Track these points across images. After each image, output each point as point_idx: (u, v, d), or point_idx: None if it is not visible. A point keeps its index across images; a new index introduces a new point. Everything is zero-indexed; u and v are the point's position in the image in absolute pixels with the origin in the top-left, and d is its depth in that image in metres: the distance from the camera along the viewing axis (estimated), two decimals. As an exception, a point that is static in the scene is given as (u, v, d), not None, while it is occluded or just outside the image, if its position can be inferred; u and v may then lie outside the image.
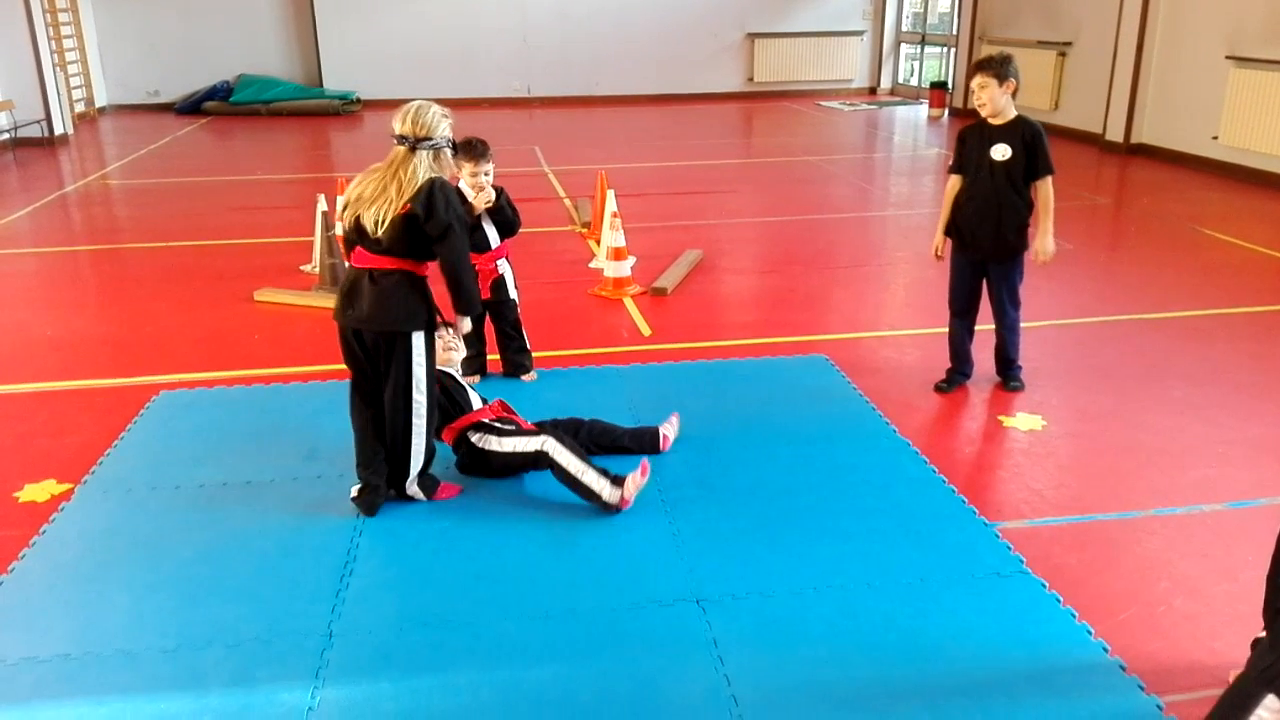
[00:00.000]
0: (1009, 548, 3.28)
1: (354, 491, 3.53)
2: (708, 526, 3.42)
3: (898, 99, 16.42)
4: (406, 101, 3.38)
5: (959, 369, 4.68)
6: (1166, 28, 10.32)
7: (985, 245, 4.41)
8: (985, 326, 4.62)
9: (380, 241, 3.29)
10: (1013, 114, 4.31)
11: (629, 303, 5.94)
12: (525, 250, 6.05)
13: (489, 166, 4.42)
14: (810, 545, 3.30)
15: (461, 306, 3.55)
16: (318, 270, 6.25)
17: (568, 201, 8.77)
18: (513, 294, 4.68)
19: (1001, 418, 4.35)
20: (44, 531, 3.44)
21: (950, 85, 14.35)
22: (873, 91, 17.12)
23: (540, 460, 3.58)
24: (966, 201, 4.41)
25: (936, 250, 4.57)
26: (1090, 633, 2.84)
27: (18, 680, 2.69)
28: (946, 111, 14.23)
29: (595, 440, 3.87)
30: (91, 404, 4.54)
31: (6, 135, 11.53)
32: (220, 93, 15.18)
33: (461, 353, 3.97)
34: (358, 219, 3.31)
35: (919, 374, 4.80)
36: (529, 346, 4.78)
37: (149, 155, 11.59)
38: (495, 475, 3.74)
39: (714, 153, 11.60)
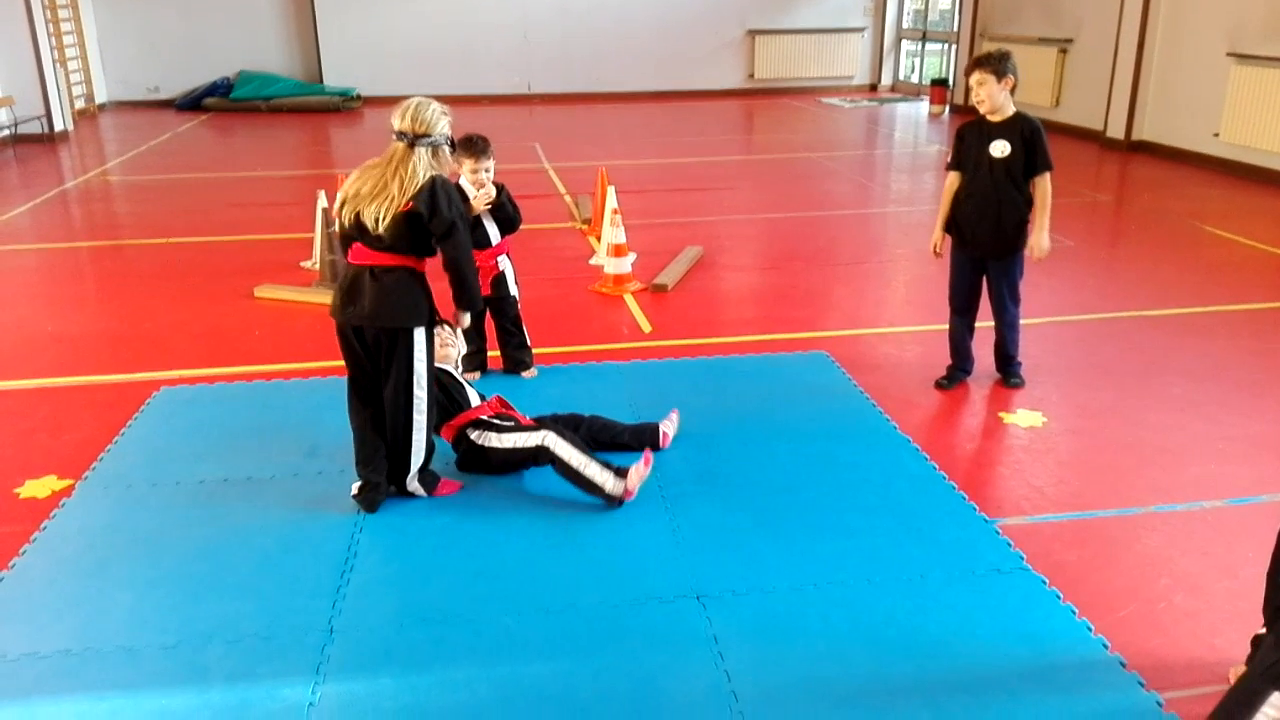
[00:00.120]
0: (1009, 544, 3.28)
1: (354, 489, 3.53)
2: (708, 523, 3.43)
3: (899, 96, 16.41)
4: (407, 98, 3.38)
5: (959, 366, 4.68)
6: (1168, 25, 10.31)
7: (985, 242, 4.41)
8: (985, 323, 4.62)
9: (382, 238, 3.29)
10: (1011, 110, 4.31)
11: (629, 299, 5.93)
12: (526, 247, 6.05)
13: (490, 163, 4.42)
14: (810, 542, 3.30)
15: (463, 302, 3.56)
16: (318, 266, 6.25)
17: (568, 198, 8.77)
18: (513, 290, 4.68)
19: (1002, 414, 4.35)
20: (45, 528, 3.44)
21: (951, 82, 14.33)
22: (874, 88, 17.11)
23: (541, 456, 3.58)
24: (966, 198, 4.41)
25: (935, 247, 4.57)
26: (1090, 629, 2.84)
27: (19, 676, 2.70)
28: (947, 108, 14.22)
29: (595, 437, 3.87)
30: (92, 400, 4.55)
31: (6, 131, 11.52)
32: (220, 89, 15.17)
33: (458, 349, 3.97)
34: (358, 216, 3.31)
35: (919, 371, 4.80)
36: (529, 343, 4.78)
37: (149, 152, 11.58)
38: (495, 472, 3.74)
39: (715, 149, 11.60)
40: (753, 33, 16.46)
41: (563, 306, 5.84)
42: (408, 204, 3.26)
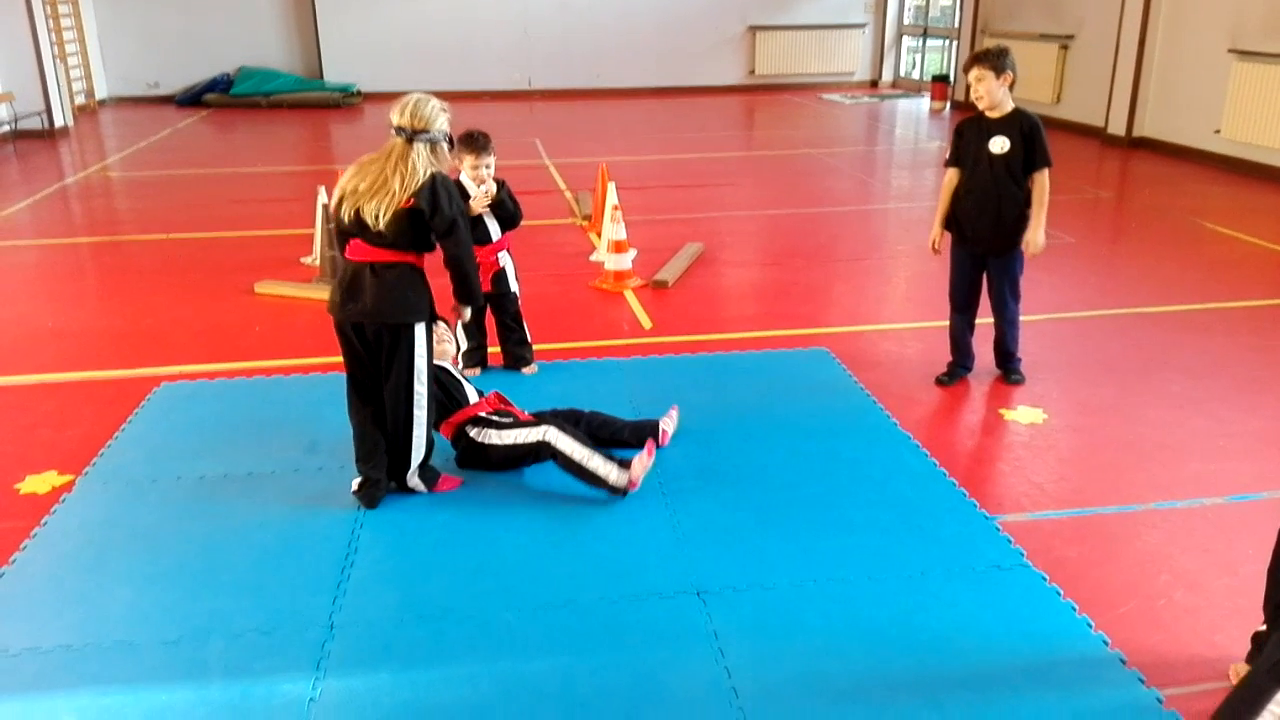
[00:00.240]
0: (1009, 541, 3.28)
1: (355, 485, 3.53)
2: (708, 519, 3.43)
3: (899, 92, 16.40)
4: (407, 94, 3.38)
5: (960, 362, 4.68)
6: (1169, 21, 10.30)
7: (984, 238, 4.41)
8: (986, 320, 4.62)
9: (383, 234, 3.29)
10: (1010, 106, 4.30)
11: (630, 295, 5.93)
12: (526, 243, 6.04)
13: (490, 159, 4.41)
14: (811, 538, 3.30)
15: (464, 297, 3.57)
16: (318, 262, 6.25)
17: (569, 194, 8.76)
18: (514, 286, 4.68)
19: (1002, 411, 4.35)
20: (45, 523, 3.44)
21: (952, 78, 14.32)
22: (874, 85, 17.10)
23: (542, 451, 3.58)
24: (965, 195, 4.40)
25: (934, 244, 4.57)
26: (1091, 626, 2.85)
27: (20, 670, 2.70)
28: (948, 104, 14.21)
29: (595, 433, 3.86)
30: (93, 396, 4.55)
31: (6, 127, 11.51)
32: (220, 85, 15.17)
33: (455, 346, 3.97)
34: (357, 212, 3.30)
35: (920, 367, 4.80)
36: (530, 339, 4.78)
37: (149, 147, 11.58)
38: (495, 468, 3.74)
39: (715, 145, 11.59)
40: (754, 28, 16.44)
41: (563, 303, 5.83)
42: (409, 200, 3.26)
